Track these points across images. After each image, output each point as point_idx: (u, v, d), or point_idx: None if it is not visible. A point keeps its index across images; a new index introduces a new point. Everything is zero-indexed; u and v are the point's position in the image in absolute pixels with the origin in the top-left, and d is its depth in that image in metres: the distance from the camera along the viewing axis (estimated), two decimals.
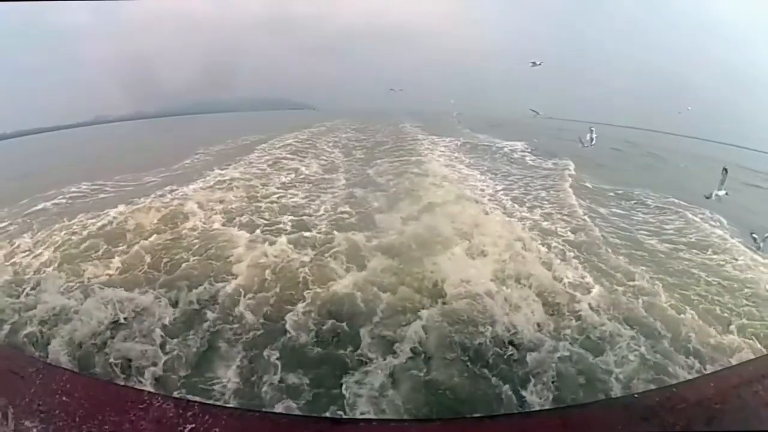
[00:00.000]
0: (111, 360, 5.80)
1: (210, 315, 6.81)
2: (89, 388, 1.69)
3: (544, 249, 9.32)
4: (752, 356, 5.89)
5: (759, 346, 6.34)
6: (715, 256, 9.77)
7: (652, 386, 5.11)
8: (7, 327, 6.45)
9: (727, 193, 11.10)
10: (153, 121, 68.36)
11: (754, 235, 10.02)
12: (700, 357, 5.97)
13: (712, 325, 6.71)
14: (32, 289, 7.40)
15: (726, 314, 7.19)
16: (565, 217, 12.19)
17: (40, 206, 13.38)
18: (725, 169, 11.58)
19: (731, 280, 8.41)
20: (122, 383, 5.21)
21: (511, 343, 6.14)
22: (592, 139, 16.71)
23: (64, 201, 14.15)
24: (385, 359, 5.74)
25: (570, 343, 6.12)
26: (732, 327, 6.76)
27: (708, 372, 5.44)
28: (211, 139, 28.50)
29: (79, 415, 1.47)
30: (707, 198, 11.95)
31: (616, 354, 5.93)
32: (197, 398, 5.00)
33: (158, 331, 6.31)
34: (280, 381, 5.39)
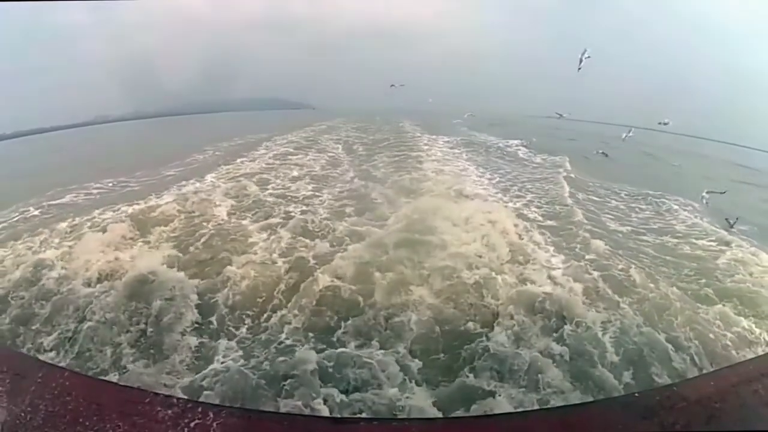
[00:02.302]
0: (119, 359, 5.87)
1: (212, 311, 6.90)
2: (89, 387, 1.69)
3: (529, 234, 9.93)
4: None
5: (692, 301, 7.31)
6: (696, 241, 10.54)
7: (652, 385, 5.13)
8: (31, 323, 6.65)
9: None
10: (155, 120, 68.77)
11: (730, 220, 11.57)
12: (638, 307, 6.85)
13: (654, 282, 7.68)
14: (58, 279, 7.67)
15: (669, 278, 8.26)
16: (556, 209, 12.74)
17: (66, 199, 14.22)
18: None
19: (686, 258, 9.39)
20: (123, 383, 5.21)
21: (504, 337, 6.16)
22: (625, 137, 18.23)
23: (93, 194, 15.03)
24: (383, 357, 5.75)
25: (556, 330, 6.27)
26: (663, 285, 7.68)
27: (707, 371, 5.45)
28: (217, 137, 29.41)
29: (80, 415, 1.47)
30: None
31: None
32: (197, 398, 5.01)
33: (168, 328, 6.39)
34: (281, 379, 5.40)
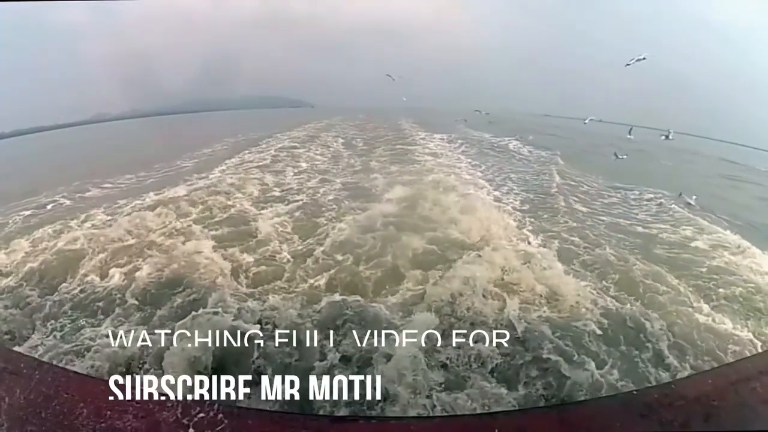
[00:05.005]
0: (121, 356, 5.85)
1: (215, 304, 6.84)
2: (87, 385, 1.69)
3: (515, 223, 10.48)
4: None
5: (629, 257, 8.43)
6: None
7: (651, 383, 5.13)
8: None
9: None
10: (155, 119, 68.86)
11: (689, 201, 12.68)
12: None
13: (598, 246, 9.07)
14: (73, 270, 7.86)
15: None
16: (544, 200, 13.28)
17: (92, 191, 14.97)
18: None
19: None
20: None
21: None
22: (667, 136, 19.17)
23: (120, 186, 15.77)
24: (381, 353, 5.74)
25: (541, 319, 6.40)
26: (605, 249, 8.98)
27: (706, 369, 5.45)
28: (220, 134, 30.32)
29: (77, 412, 1.47)
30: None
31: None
32: (196, 396, 4.99)
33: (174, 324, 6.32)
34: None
